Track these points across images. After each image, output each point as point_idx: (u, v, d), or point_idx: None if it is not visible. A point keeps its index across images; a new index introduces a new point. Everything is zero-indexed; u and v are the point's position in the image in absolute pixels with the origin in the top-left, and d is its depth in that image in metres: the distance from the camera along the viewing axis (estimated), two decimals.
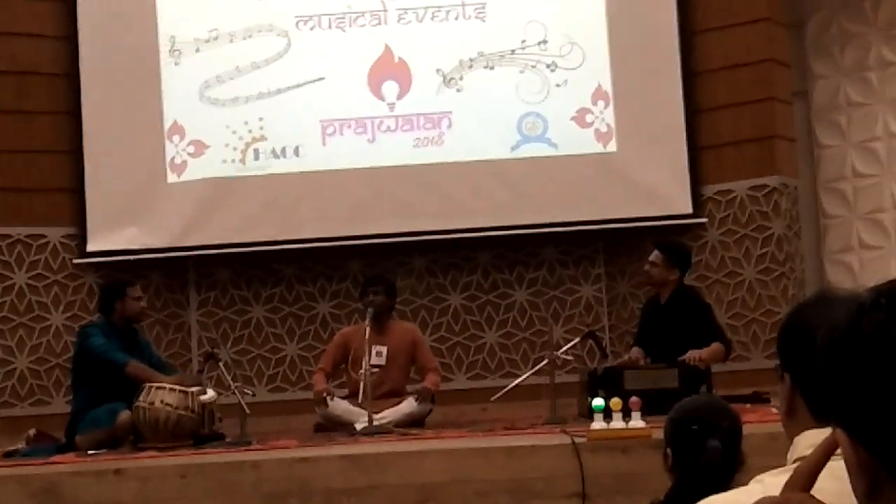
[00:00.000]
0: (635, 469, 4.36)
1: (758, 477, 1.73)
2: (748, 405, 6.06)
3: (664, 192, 8.18)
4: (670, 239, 7.22)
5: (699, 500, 1.80)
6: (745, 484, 1.73)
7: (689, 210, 8.19)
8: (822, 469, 1.20)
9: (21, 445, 6.56)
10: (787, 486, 1.22)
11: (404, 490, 4.54)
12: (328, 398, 6.63)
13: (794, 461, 1.62)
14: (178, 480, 4.59)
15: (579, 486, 4.47)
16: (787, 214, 8.07)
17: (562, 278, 8.51)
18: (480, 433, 5.70)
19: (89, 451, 5.82)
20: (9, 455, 6.29)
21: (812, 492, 1.20)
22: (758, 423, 4.83)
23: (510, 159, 8.32)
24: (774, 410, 5.54)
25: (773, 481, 1.58)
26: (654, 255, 6.69)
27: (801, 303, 1.86)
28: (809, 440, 1.60)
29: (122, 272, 7.51)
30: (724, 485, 2.46)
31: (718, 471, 2.71)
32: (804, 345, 1.59)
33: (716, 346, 6.37)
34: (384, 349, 6.82)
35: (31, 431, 6.78)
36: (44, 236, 8.25)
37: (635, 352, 6.73)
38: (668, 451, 2.89)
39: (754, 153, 8.10)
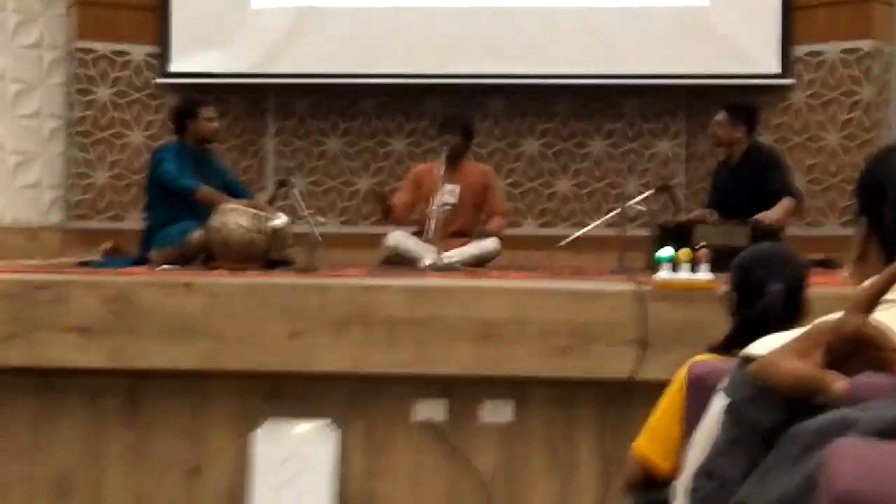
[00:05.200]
0: (699, 320, 4.35)
1: (819, 319, 1.71)
2: (818, 269, 6.01)
3: (753, 50, 8.01)
4: (736, 99, 7.09)
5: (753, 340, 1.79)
6: None
7: (777, 70, 8.01)
8: (882, 294, 1.19)
9: (96, 257, 6.70)
10: (848, 308, 1.20)
11: (465, 324, 4.58)
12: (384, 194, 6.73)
13: None
14: (246, 297, 4.66)
15: (642, 333, 4.48)
16: (878, 80, 7.87)
17: (640, 131, 8.42)
18: (546, 276, 5.71)
19: (162, 267, 5.93)
20: (83, 265, 6.44)
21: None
22: (825, 286, 4.78)
23: (599, 7, 8.16)
24: (845, 276, 5.49)
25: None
26: (720, 114, 6.59)
27: (883, 147, 1.82)
28: None
29: (203, 94, 7.53)
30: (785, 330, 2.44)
31: (778, 315, 2.70)
32: (883, 186, 1.56)
33: (787, 203, 6.28)
34: (457, 188, 6.81)
35: (107, 245, 6.91)
36: (127, 53, 8.30)
37: (706, 212, 6.68)
38: (732, 293, 2.88)
39: (849, 15, 7.85)
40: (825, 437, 1.07)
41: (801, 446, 1.11)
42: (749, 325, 2.73)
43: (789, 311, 2.73)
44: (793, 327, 2.73)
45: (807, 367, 1.17)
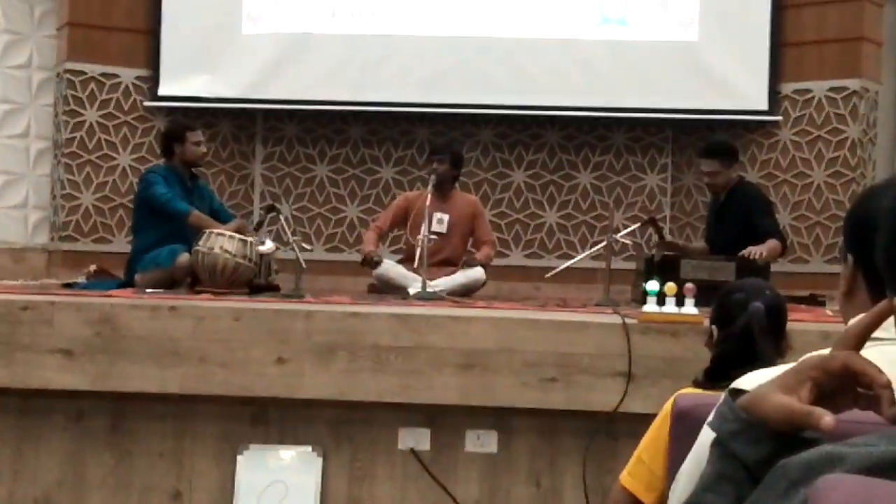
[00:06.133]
0: (683, 354, 4.36)
1: (805, 355, 1.72)
2: (803, 306, 6.03)
3: (740, 86, 8.06)
4: (712, 141, 7.15)
5: (738, 373, 1.80)
6: None
7: (765, 107, 8.06)
8: (872, 331, 1.19)
9: (81, 279, 6.68)
10: (836, 344, 1.21)
11: (451, 353, 4.58)
12: (375, 260, 6.66)
13: None
14: (232, 322, 4.65)
15: (626, 366, 4.48)
16: (864, 119, 7.92)
17: (627, 165, 8.44)
18: (532, 307, 5.71)
19: (147, 290, 5.91)
20: (68, 286, 6.42)
21: None
22: (811, 322, 4.80)
23: (589, 40, 8.19)
24: (829, 313, 5.50)
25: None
26: (709, 165, 6.53)
27: (871, 186, 1.84)
28: None
29: (192, 119, 7.53)
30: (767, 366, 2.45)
31: (763, 329, 2.70)
32: (871, 224, 1.57)
33: (772, 244, 6.30)
34: (445, 217, 6.82)
35: (92, 267, 6.89)
36: (117, 76, 8.30)
37: (700, 245, 6.79)
38: (713, 328, 2.89)
39: (838, 53, 7.92)
40: (812, 473, 1.07)
41: (789, 481, 1.11)
42: (731, 345, 2.75)
43: (773, 329, 2.74)
44: (777, 349, 2.76)
45: (795, 402, 1.17)
